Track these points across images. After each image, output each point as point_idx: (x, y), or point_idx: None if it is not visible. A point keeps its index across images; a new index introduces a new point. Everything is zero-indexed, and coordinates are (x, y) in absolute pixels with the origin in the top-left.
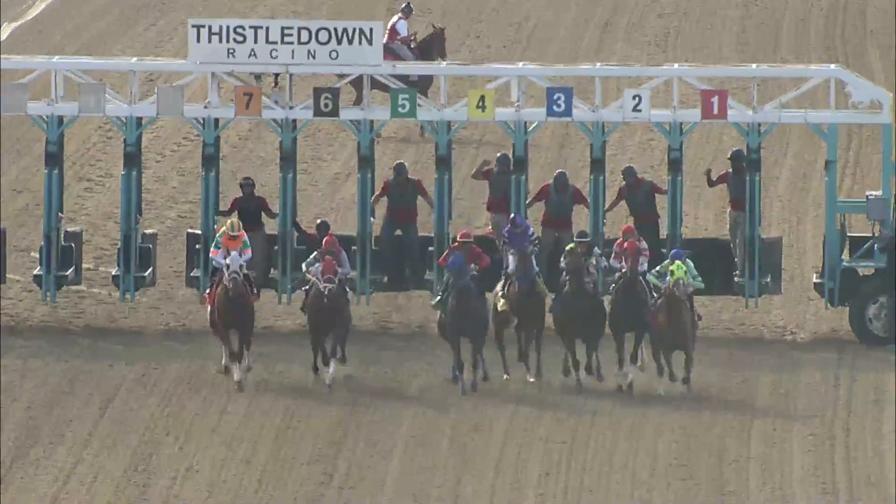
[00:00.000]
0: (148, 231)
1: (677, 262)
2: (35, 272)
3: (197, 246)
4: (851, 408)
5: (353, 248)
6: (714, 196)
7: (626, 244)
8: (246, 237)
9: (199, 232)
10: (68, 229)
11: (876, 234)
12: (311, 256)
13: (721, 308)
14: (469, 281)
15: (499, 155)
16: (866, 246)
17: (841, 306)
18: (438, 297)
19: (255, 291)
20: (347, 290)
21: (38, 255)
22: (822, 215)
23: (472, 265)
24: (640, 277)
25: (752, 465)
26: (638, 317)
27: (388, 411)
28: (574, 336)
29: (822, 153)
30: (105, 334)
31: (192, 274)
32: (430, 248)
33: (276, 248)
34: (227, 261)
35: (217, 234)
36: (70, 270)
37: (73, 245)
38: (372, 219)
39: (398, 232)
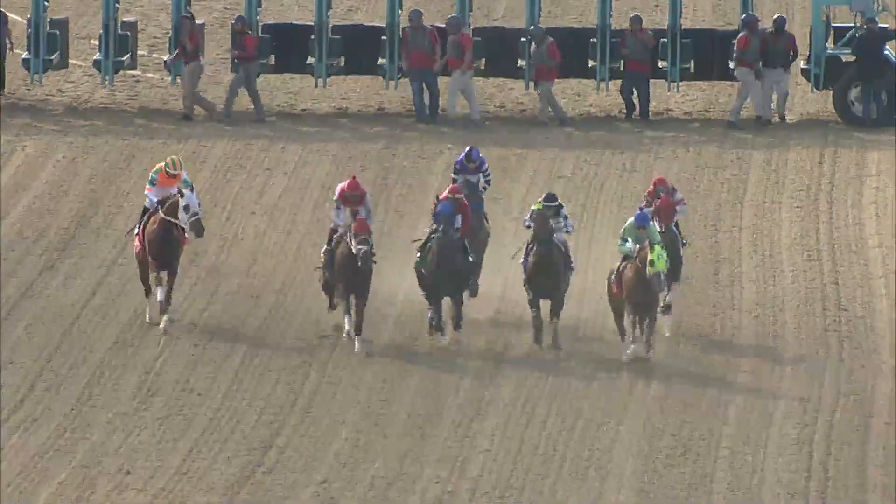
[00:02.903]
0: (196, 21)
1: (657, 249)
2: (95, 58)
3: None
4: (834, 182)
5: (383, 37)
6: None
7: (659, 202)
8: (185, 176)
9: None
10: (125, 19)
11: (858, 24)
12: (336, 199)
13: (717, 93)
14: (453, 237)
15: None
16: (849, 35)
17: (825, 90)
18: (419, 253)
19: (185, 234)
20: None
21: (97, 43)
22: (809, 7)
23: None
24: (675, 228)
25: (744, 234)
26: (674, 268)
27: (416, 182)
28: (540, 298)
29: None
30: (158, 115)
31: (236, 60)
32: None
33: (312, 36)
34: (184, 201)
35: (153, 171)
36: (126, 56)
37: (129, 34)
38: (399, 10)
39: None
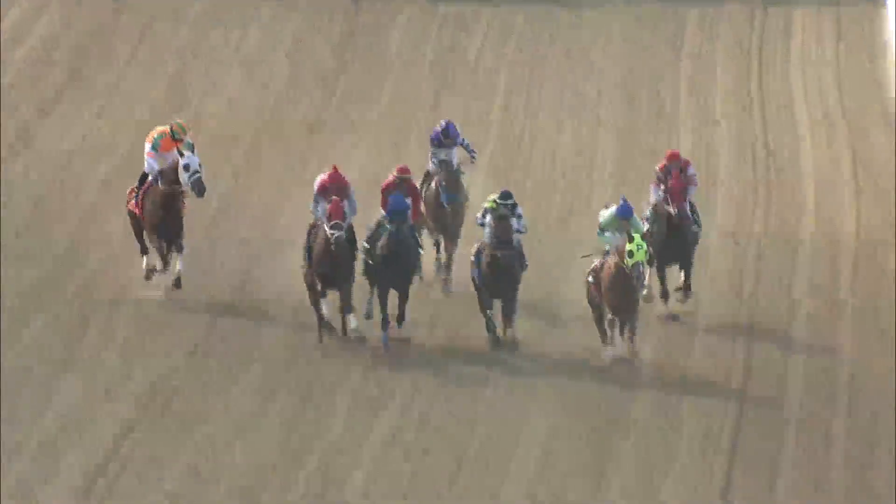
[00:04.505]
0: None
1: (637, 239)
2: None
3: None
4: (764, 38)
5: None
6: None
7: (671, 182)
8: (189, 139)
9: None
10: None
11: None
12: (315, 193)
13: None
14: (407, 232)
15: None
16: None
17: None
18: (367, 245)
19: (184, 201)
20: (356, 240)
21: None
22: None
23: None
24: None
25: (682, 86)
26: (683, 251)
27: (378, 37)
28: (493, 297)
29: None
30: None
31: None
32: None
33: None
34: (183, 161)
35: (155, 135)
36: None
37: None
38: None
39: None
